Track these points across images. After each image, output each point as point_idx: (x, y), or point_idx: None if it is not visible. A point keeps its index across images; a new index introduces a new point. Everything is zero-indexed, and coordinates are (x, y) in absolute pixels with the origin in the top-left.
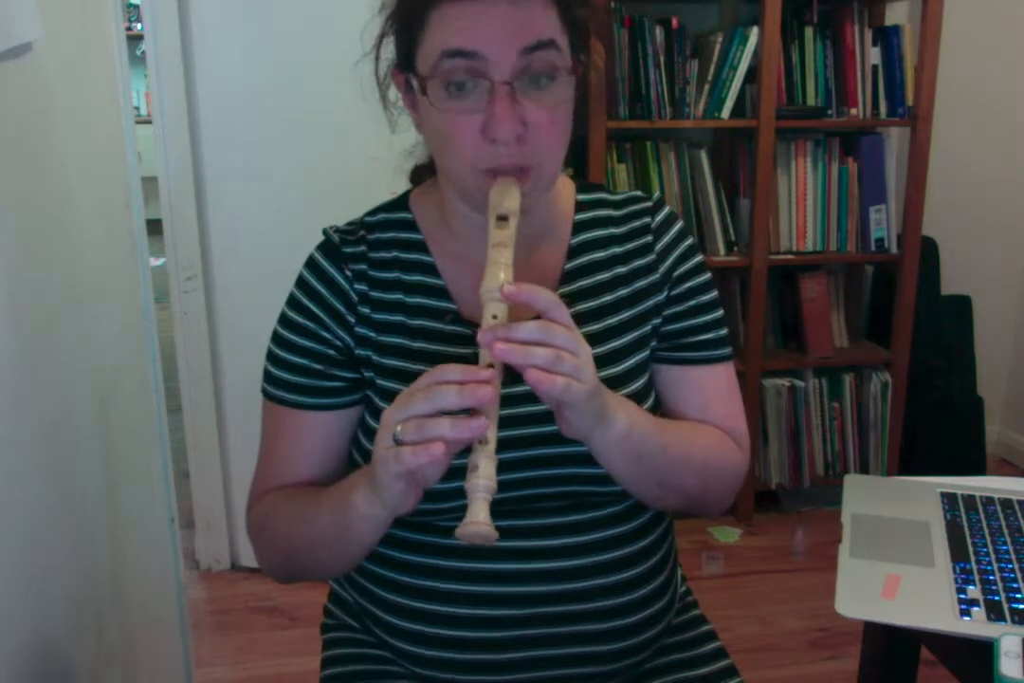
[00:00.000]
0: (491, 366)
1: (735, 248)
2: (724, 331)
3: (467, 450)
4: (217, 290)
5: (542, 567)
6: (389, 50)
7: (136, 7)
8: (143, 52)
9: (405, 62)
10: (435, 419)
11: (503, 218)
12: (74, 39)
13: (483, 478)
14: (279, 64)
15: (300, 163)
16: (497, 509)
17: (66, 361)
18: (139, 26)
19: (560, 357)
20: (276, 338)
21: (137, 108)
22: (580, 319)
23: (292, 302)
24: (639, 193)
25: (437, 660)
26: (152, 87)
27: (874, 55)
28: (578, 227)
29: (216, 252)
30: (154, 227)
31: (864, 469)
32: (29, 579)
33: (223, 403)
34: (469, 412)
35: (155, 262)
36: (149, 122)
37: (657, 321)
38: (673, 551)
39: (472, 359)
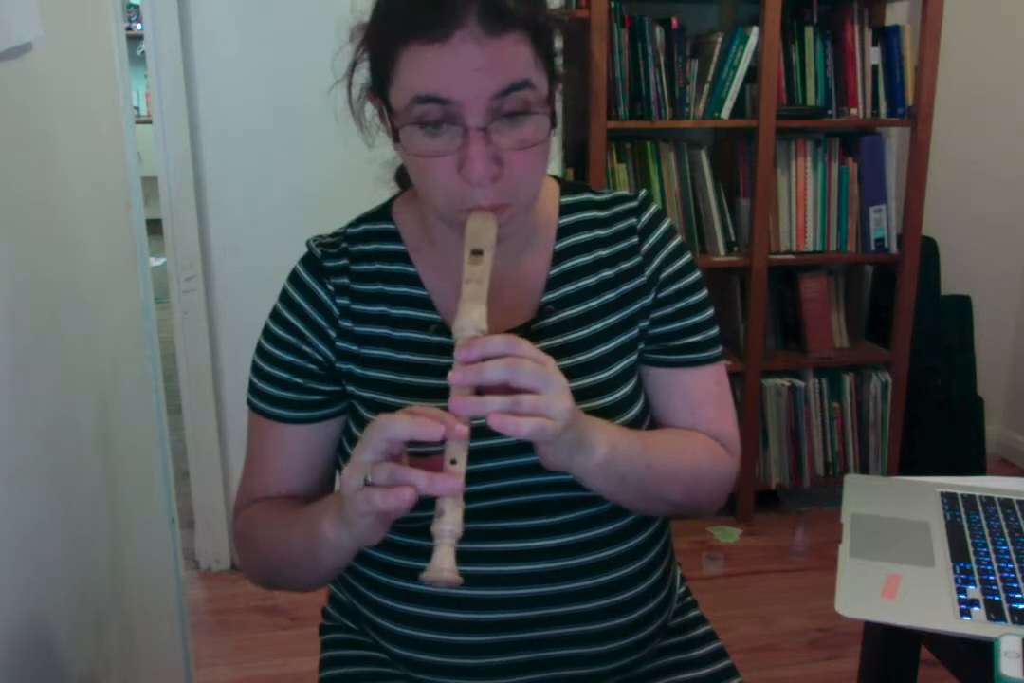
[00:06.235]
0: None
1: (735, 248)
2: (714, 331)
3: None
4: (217, 290)
5: (532, 569)
6: (361, 71)
7: (136, 7)
8: (143, 52)
9: (378, 88)
10: (407, 468)
11: (478, 252)
12: (74, 39)
13: (449, 524)
14: (279, 64)
15: (300, 163)
16: (483, 513)
17: (66, 361)
18: (139, 26)
19: (518, 401)
20: (259, 351)
21: (137, 108)
22: (566, 325)
23: (275, 316)
24: (625, 192)
25: (431, 664)
26: (152, 87)
27: (874, 55)
28: (563, 231)
29: (216, 252)
30: (154, 227)
31: (864, 469)
32: (29, 579)
33: (223, 403)
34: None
35: (155, 262)
36: (149, 122)
37: (644, 324)
38: (668, 549)
39: None
